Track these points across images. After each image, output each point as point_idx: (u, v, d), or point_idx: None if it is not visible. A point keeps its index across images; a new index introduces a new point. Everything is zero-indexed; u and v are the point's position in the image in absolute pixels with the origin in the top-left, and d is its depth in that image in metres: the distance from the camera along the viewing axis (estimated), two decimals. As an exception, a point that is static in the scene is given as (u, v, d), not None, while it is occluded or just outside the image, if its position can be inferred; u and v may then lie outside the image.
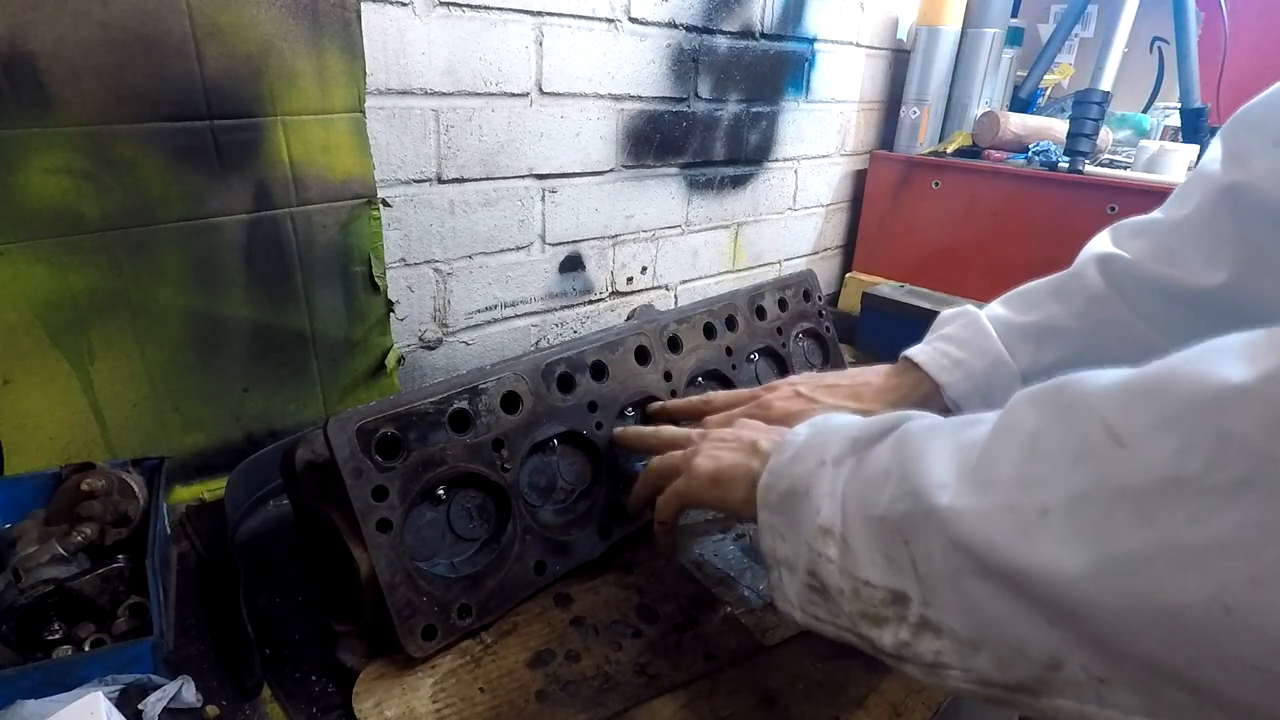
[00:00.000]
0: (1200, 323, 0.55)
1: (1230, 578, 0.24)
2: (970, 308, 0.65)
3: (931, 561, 0.34)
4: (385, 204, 0.81)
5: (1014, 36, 1.44)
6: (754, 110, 1.18)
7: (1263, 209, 0.51)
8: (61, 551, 0.56)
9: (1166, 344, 0.56)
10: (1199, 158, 1.22)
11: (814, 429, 0.46)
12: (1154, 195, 1.09)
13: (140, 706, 0.47)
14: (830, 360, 0.96)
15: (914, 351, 0.65)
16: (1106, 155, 1.37)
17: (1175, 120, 1.38)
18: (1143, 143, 1.23)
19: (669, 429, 0.63)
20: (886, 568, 0.36)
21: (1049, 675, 0.30)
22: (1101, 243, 0.61)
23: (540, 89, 0.91)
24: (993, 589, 0.31)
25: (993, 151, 1.31)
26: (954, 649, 0.33)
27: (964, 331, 0.63)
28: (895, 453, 0.38)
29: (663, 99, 1.04)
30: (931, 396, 0.62)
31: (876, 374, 0.67)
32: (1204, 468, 0.25)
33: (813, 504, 0.41)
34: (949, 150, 1.35)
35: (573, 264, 1.04)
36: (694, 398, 0.71)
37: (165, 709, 0.48)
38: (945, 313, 0.67)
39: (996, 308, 0.65)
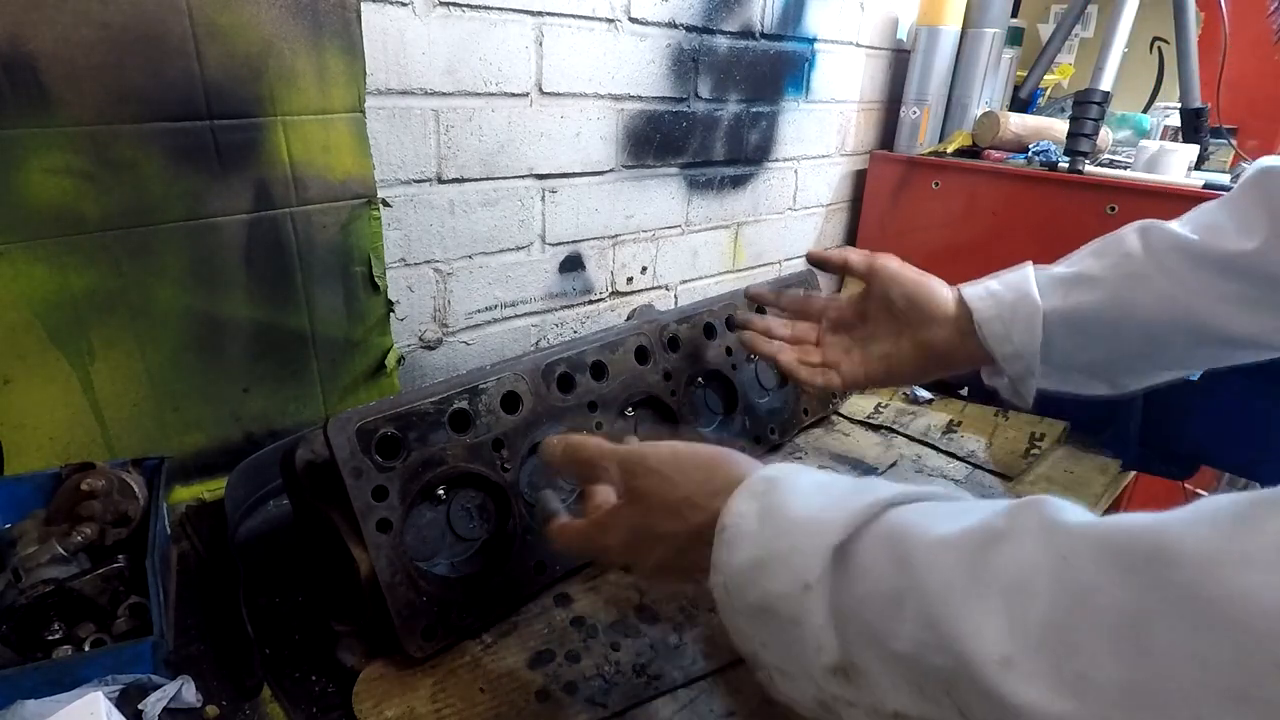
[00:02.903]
0: (1229, 283, 0.57)
1: None
2: (1027, 263, 0.68)
3: None
4: (385, 204, 0.81)
5: (1014, 36, 1.43)
6: (754, 110, 1.18)
7: None
8: (61, 551, 0.56)
9: (1192, 300, 0.57)
10: (1199, 158, 1.22)
11: (763, 512, 0.38)
12: (1154, 195, 1.09)
13: (140, 706, 0.47)
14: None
15: (963, 285, 0.68)
16: (1106, 155, 1.37)
17: (1175, 120, 1.37)
18: (1143, 143, 1.23)
19: (586, 447, 0.50)
20: (919, 699, 0.31)
21: None
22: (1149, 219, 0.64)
23: (540, 89, 0.91)
24: None
25: (993, 151, 1.31)
26: None
27: (1008, 274, 0.66)
28: (900, 571, 0.32)
29: (663, 99, 1.04)
30: (964, 317, 0.65)
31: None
32: None
33: (809, 637, 0.35)
34: (949, 150, 1.35)
35: (573, 264, 1.04)
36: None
37: (165, 709, 0.48)
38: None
39: (1045, 267, 0.67)
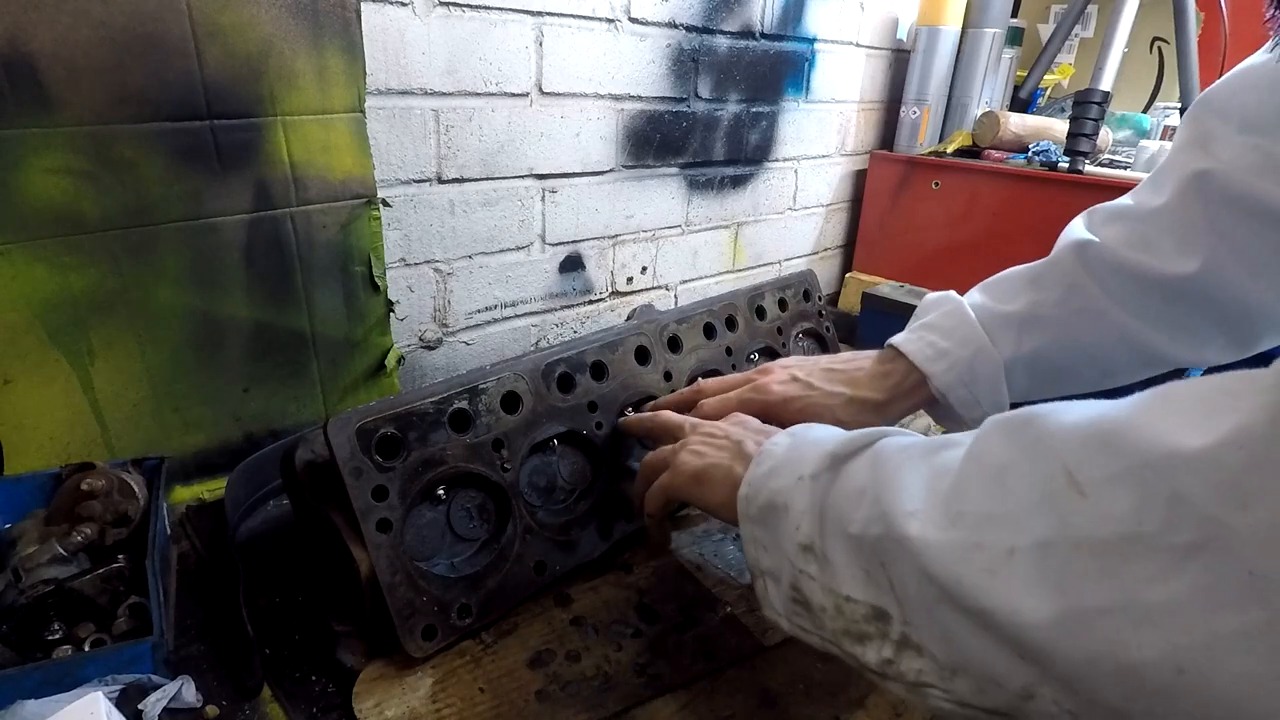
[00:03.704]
0: (1174, 309, 0.55)
1: (1183, 640, 0.24)
2: (952, 294, 0.65)
3: (907, 586, 0.34)
4: (385, 204, 0.81)
5: (1014, 36, 1.44)
6: (754, 110, 1.18)
7: (1229, 197, 0.51)
8: (61, 551, 0.56)
9: (1144, 330, 0.55)
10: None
11: (793, 441, 0.46)
12: (1154, 195, 1.09)
13: (140, 706, 0.47)
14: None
15: (899, 340, 0.64)
16: (1106, 155, 1.37)
17: (1175, 120, 1.37)
18: (1143, 143, 1.23)
19: (665, 414, 0.62)
20: (866, 583, 0.37)
21: (1023, 704, 0.30)
22: (1077, 228, 0.61)
23: (540, 89, 0.91)
24: (965, 621, 0.31)
25: (993, 151, 1.31)
26: (935, 670, 0.33)
27: (947, 320, 0.63)
28: (871, 471, 0.38)
29: (663, 99, 1.04)
30: (919, 385, 0.63)
31: (868, 359, 0.67)
32: (1159, 528, 0.25)
33: (792, 520, 0.41)
34: (949, 150, 1.35)
35: (573, 264, 1.04)
36: (685, 390, 0.70)
37: (165, 709, 0.48)
38: (927, 298, 0.67)
39: (976, 295, 0.65)
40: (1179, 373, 0.61)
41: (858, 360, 0.67)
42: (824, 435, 0.45)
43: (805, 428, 0.47)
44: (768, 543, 0.43)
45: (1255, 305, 0.53)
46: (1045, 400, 0.59)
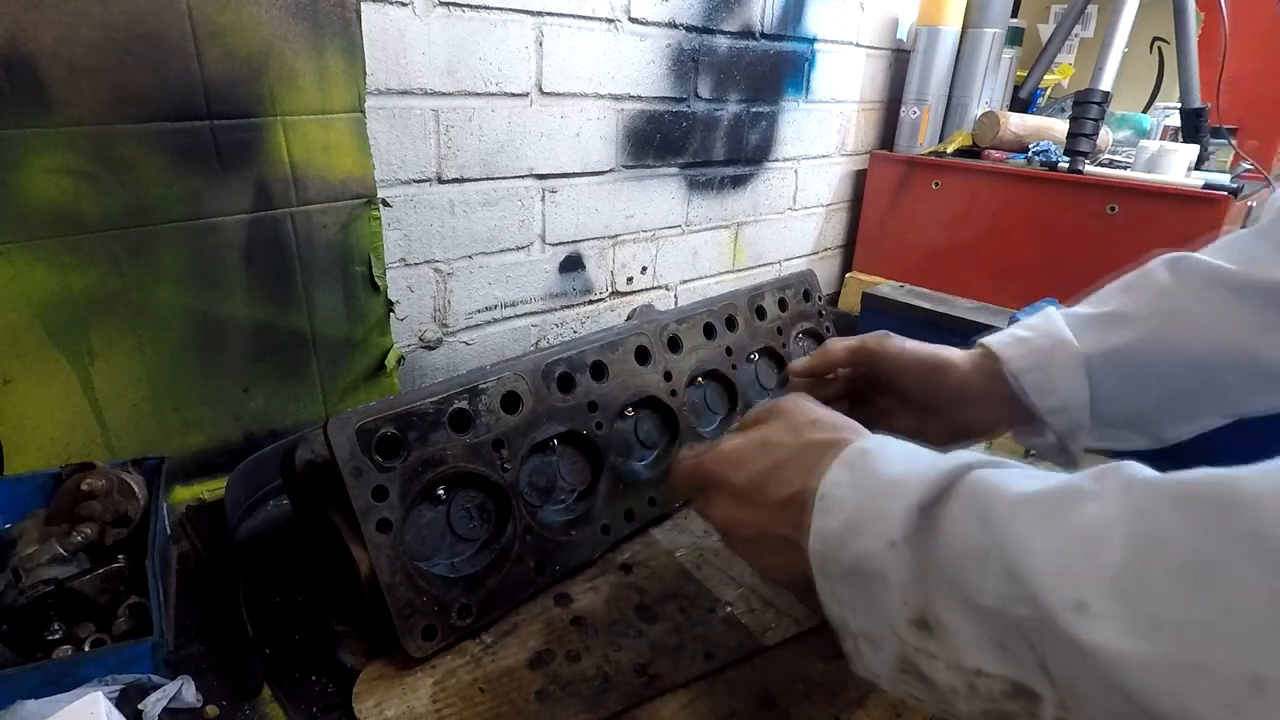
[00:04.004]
0: (1269, 314, 0.53)
1: None
2: (1049, 308, 0.63)
3: (1074, 682, 0.29)
4: (385, 204, 0.81)
5: (1014, 36, 1.44)
6: (754, 110, 1.18)
7: None
8: (61, 551, 0.56)
9: (1234, 333, 0.53)
10: (1199, 158, 1.22)
11: (855, 480, 0.40)
12: (1154, 195, 1.09)
13: (140, 706, 0.47)
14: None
15: (986, 338, 0.62)
16: (1106, 155, 1.37)
17: (1175, 120, 1.37)
18: (1143, 143, 1.23)
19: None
20: (1002, 656, 0.32)
21: None
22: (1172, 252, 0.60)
23: (540, 89, 0.91)
24: None
25: (993, 151, 1.31)
26: None
27: (1035, 319, 0.61)
28: (982, 527, 0.33)
29: (663, 99, 1.04)
30: (995, 375, 0.59)
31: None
32: None
33: (894, 593, 0.36)
34: (949, 150, 1.35)
35: (573, 264, 1.04)
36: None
37: (165, 709, 0.48)
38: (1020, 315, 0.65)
39: (1068, 309, 0.62)
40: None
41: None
42: (896, 477, 0.38)
43: (862, 453, 0.41)
44: (861, 606, 0.38)
45: None
46: (1133, 408, 0.56)
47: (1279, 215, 0.54)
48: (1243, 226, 1.16)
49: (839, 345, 0.65)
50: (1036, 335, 0.59)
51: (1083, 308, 0.61)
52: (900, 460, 0.40)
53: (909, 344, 0.62)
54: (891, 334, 0.63)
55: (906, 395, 0.62)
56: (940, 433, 0.60)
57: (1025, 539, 0.31)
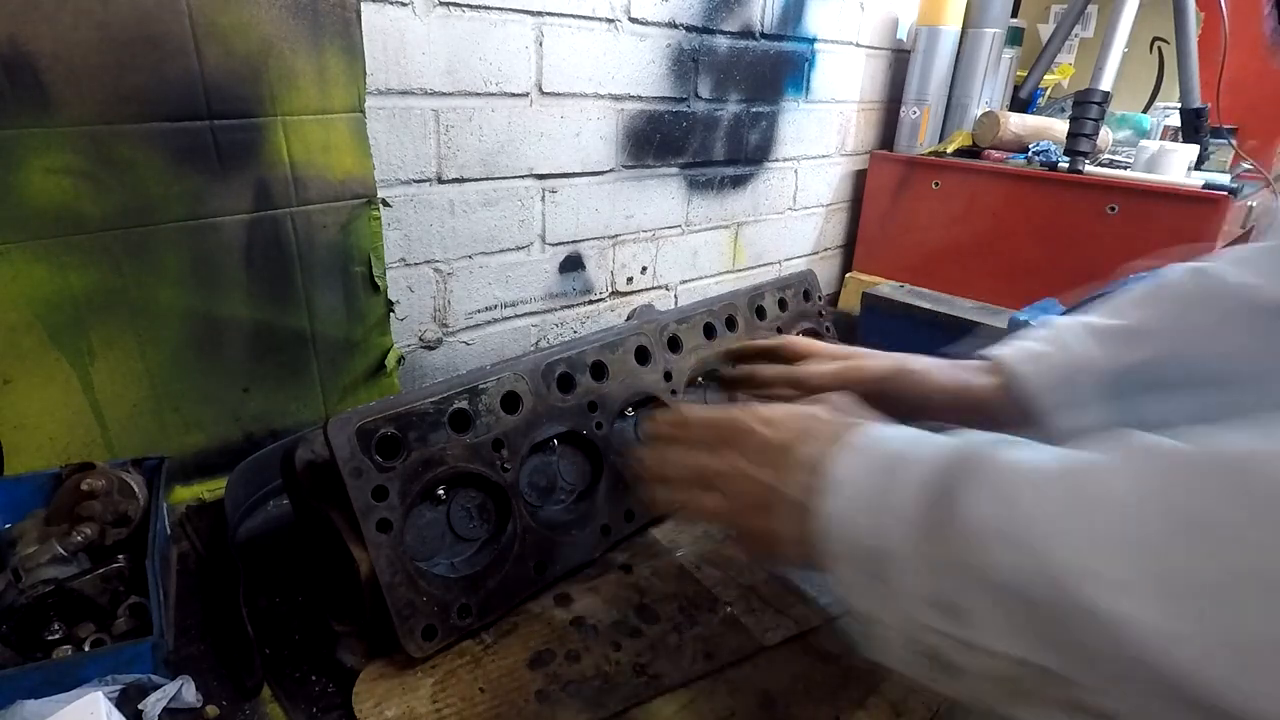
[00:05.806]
0: None
1: None
2: (1061, 317, 0.62)
3: (1100, 659, 0.29)
4: (385, 204, 0.81)
5: (1014, 36, 1.43)
6: (754, 110, 1.18)
7: None
8: (61, 551, 0.56)
9: (1253, 348, 0.51)
10: (1199, 158, 1.22)
11: (864, 461, 0.40)
12: (1154, 195, 1.09)
13: (140, 706, 0.47)
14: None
15: (992, 350, 0.62)
16: (1106, 155, 1.37)
17: (1175, 120, 1.37)
18: (1143, 143, 1.23)
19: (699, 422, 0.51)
20: (1020, 636, 0.31)
21: None
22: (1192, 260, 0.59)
23: (540, 89, 0.91)
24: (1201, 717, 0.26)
25: (993, 151, 1.31)
26: None
27: (1049, 331, 0.60)
28: (997, 506, 0.33)
29: (663, 99, 1.04)
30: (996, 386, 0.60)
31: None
32: None
33: (909, 575, 0.35)
34: (949, 150, 1.35)
35: (573, 264, 1.04)
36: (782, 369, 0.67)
37: (165, 709, 0.48)
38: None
39: (1080, 316, 0.62)
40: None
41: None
42: (903, 454, 0.38)
43: (869, 438, 0.41)
44: (869, 587, 0.38)
45: None
46: (1151, 416, 0.53)
47: None
48: (1242, 227, 1.16)
49: (874, 366, 0.64)
50: (1055, 350, 0.58)
51: (1100, 318, 0.59)
52: (908, 440, 0.40)
53: (933, 367, 0.61)
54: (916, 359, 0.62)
55: (925, 409, 0.61)
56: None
57: (1041, 512, 0.31)
